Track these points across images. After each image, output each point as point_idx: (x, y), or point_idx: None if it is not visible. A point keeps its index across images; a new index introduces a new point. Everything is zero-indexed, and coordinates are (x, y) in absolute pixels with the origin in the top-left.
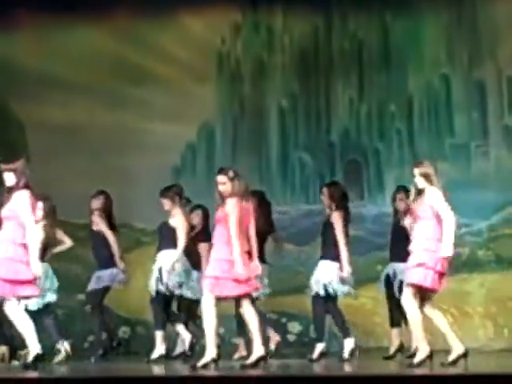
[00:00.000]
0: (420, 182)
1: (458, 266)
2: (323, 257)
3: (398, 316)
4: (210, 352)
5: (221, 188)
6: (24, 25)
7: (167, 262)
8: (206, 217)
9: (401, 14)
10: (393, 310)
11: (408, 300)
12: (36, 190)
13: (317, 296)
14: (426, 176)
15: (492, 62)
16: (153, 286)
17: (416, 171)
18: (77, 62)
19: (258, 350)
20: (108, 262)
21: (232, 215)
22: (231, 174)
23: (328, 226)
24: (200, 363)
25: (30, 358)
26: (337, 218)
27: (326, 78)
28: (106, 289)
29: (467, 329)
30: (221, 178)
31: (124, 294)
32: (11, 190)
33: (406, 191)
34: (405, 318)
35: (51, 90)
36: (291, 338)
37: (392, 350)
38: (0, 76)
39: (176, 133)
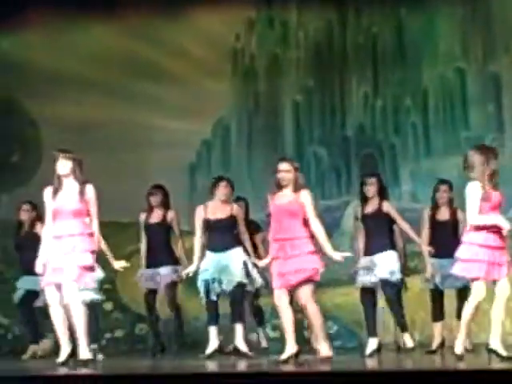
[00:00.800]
0: None
1: None
2: (380, 248)
3: (440, 310)
4: (290, 347)
5: (284, 175)
6: (37, 23)
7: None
8: (247, 208)
9: (415, 8)
10: (435, 303)
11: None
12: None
13: (366, 289)
14: None
15: (507, 56)
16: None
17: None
18: (90, 59)
19: (291, 347)
20: (169, 258)
21: (311, 205)
22: (295, 163)
23: (379, 216)
24: (282, 358)
25: (84, 355)
26: (390, 207)
27: (341, 73)
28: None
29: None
30: (285, 166)
31: (141, 291)
32: (62, 178)
33: (450, 185)
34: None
35: (64, 88)
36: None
37: (434, 344)
38: (13, 74)
39: (191, 129)
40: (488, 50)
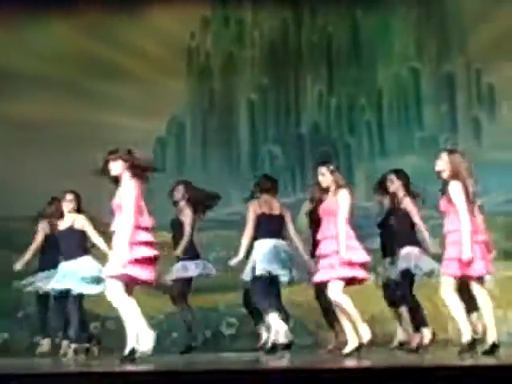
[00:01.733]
0: None
1: None
2: (402, 244)
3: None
4: (353, 340)
5: (321, 179)
6: None
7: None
8: None
9: (370, 8)
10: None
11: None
12: None
13: (404, 283)
14: None
15: (461, 56)
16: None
17: None
18: (48, 57)
19: (354, 341)
20: (193, 252)
21: (346, 205)
22: (332, 166)
23: (399, 212)
24: (346, 351)
25: (127, 351)
26: (411, 204)
27: (296, 71)
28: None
29: (437, 320)
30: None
31: None
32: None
33: None
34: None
35: (20, 86)
36: None
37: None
38: None
39: (146, 128)
40: (442, 51)
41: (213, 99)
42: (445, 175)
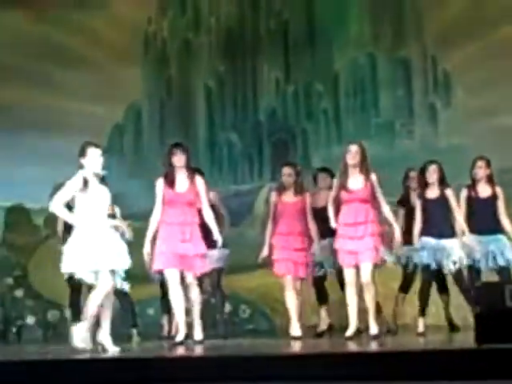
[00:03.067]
0: None
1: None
2: (444, 234)
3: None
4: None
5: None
6: None
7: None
8: None
9: None
10: None
11: None
12: None
13: (460, 272)
14: None
15: (416, 41)
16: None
17: None
18: (3, 43)
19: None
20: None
21: None
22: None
23: (440, 202)
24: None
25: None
26: (452, 195)
27: (253, 58)
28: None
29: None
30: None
31: (54, 277)
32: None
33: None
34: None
35: None
36: None
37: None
38: None
39: (103, 114)
40: (398, 37)
41: (170, 86)
42: (356, 167)
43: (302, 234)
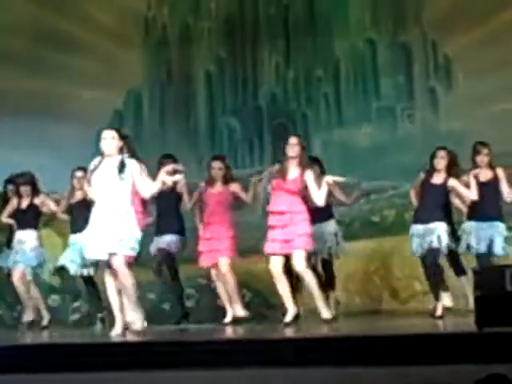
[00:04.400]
0: None
1: (385, 228)
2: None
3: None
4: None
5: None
6: None
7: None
8: None
9: None
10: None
11: None
12: None
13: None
14: None
15: (416, 26)
16: None
17: None
18: (1, 28)
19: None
20: None
21: None
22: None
23: (443, 190)
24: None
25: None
26: (457, 183)
27: (253, 43)
28: None
29: (394, 290)
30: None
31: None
32: None
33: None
34: None
35: None
36: None
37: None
38: None
39: (103, 100)
40: (398, 21)
41: (170, 71)
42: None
43: (226, 223)
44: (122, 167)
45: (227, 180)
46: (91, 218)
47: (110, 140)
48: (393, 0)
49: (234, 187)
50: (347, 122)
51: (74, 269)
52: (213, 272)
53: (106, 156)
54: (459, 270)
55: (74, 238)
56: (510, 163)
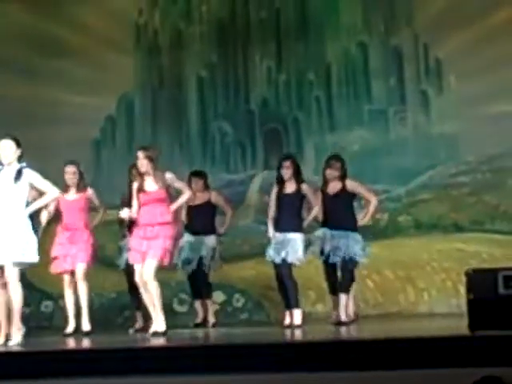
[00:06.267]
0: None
1: (378, 231)
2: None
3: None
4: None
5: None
6: None
7: None
8: None
9: None
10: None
11: None
12: None
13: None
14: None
15: (408, 29)
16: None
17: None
18: None
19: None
20: None
21: None
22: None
23: (296, 198)
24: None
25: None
26: (308, 189)
27: (244, 47)
28: None
29: (388, 293)
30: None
31: (46, 268)
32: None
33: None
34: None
35: None
36: None
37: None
38: None
39: (95, 105)
40: (390, 24)
41: (162, 76)
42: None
43: (81, 228)
44: (18, 175)
45: (81, 187)
46: None
47: (8, 149)
48: (384, 3)
49: None
50: (339, 125)
51: None
52: (66, 280)
53: (5, 165)
54: (344, 288)
55: None
56: (502, 166)
